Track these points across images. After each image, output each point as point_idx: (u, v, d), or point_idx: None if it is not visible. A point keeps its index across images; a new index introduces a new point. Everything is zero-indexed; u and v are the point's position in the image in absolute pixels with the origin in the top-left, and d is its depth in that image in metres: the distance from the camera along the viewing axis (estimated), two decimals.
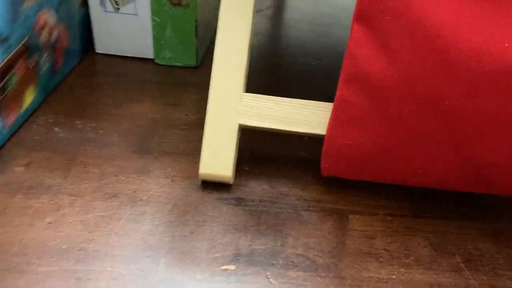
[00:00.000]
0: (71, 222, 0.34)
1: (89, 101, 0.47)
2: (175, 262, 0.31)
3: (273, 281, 0.31)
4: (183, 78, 0.51)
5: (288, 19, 0.67)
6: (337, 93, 0.35)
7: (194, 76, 0.52)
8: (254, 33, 0.60)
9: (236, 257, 0.32)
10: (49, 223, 0.34)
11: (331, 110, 0.36)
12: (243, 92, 0.37)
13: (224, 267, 0.31)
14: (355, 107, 0.34)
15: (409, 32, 0.31)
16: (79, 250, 0.32)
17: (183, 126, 0.44)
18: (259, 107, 0.37)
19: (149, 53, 0.53)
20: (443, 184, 0.36)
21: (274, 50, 0.58)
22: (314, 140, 0.42)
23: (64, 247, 0.32)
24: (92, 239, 0.33)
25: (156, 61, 0.53)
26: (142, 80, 0.50)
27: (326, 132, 0.36)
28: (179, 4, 0.49)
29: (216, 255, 0.32)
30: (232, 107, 0.37)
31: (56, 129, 0.43)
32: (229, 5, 0.37)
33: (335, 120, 0.35)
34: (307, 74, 0.53)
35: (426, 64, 0.31)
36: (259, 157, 0.41)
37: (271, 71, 0.54)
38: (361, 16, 0.33)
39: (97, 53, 0.54)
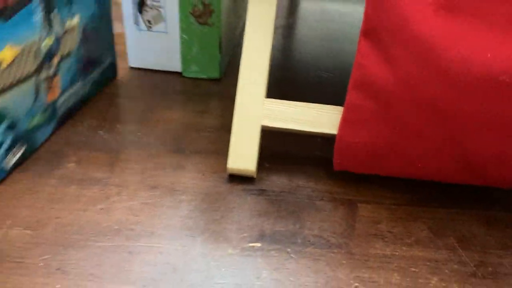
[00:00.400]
0: (119, 208, 0.39)
1: (126, 108, 0.53)
2: (210, 240, 0.37)
3: (293, 256, 0.36)
4: (208, 89, 0.57)
5: (300, 35, 0.73)
6: (347, 98, 0.41)
7: (218, 87, 0.58)
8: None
9: (261, 237, 0.38)
10: (101, 209, 0.39)
11: (341, 112, 0.42)
12: (265, 97, 0.43)
13: (251, 244, 0.37)
14: (362, 109, 0.40)
15: (407, 45, 0.37)
16: (129, 230, 0.37)
17: (210, 130, 0.50)
18: (279, 110, 0.43)
19: (177, 67, 0.59)
20: (440, 176, 0.42)
21: (288, 63, 0.64)
22: (327, 140, 0.48)
23: (115, 227, 0.38)
24: (139, 221, 0.38)
25: (184, 74, 0.59)
26: (172, 91, 0.57)
27: (338, 132, 0.41)
28: (206, 23, 0.56)
29: (244, 235, 0.38)
30: (256, 110, 0.43)
31: (100, 132, 0.49)
32: (253, 24, 0.43)
33: (345, 121, 0.41)
34: (318, 84, 0.59)
35: (422, 71, 0.37)
36: (279, 155, 0.47)
37: (286, 82, 0.60)
38: (367, 31, 0.39)
39: (130, 67, 0.61)
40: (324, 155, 0.47)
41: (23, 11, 0.38)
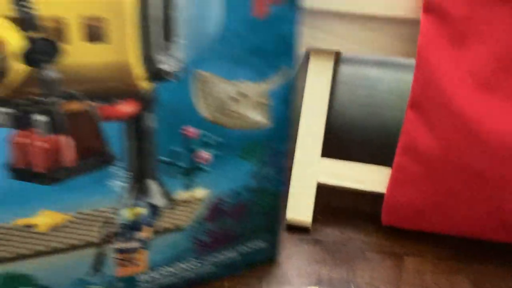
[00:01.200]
0: None
1: None
2: (274, 282, 0.42)
3: None
4: None
5: (342, 101, 0.79)
6: (395, 160, 0.46)
7: None
8: None
9: (319, 281, 0.42)
10: None
11: (389, 173, 0.47)
12: (321, 156, 0.49)
13: (311, 287, 0.41)
14: (408, 171, 0.45)
15: (450, 117, 0.42)
16: None
17: None
18: (334, 169, 0.48)
19: None
20: (480, 234, 0.46)
21: (332, 128, 0.71)
22: (375, 197, 0.53)
23: None
24: None
25: None
26: None
27: (386, 191, 0.47)
28: None
29: (303, 279, 0.42)
30: (312, 168, 0.49)
31: None
32: (311, 93, 0.50)
33: (393, 181, 0.46)
34: (360, 145, 0.65)
35: (463, 141, 0.42)
36: (330, 209, 0.52)
37: (331, 143, 0.66)
38: (414, 104, 0.45)
39: None
40: (372, 210, 0.52)
41: (91, 176, 0.32)
